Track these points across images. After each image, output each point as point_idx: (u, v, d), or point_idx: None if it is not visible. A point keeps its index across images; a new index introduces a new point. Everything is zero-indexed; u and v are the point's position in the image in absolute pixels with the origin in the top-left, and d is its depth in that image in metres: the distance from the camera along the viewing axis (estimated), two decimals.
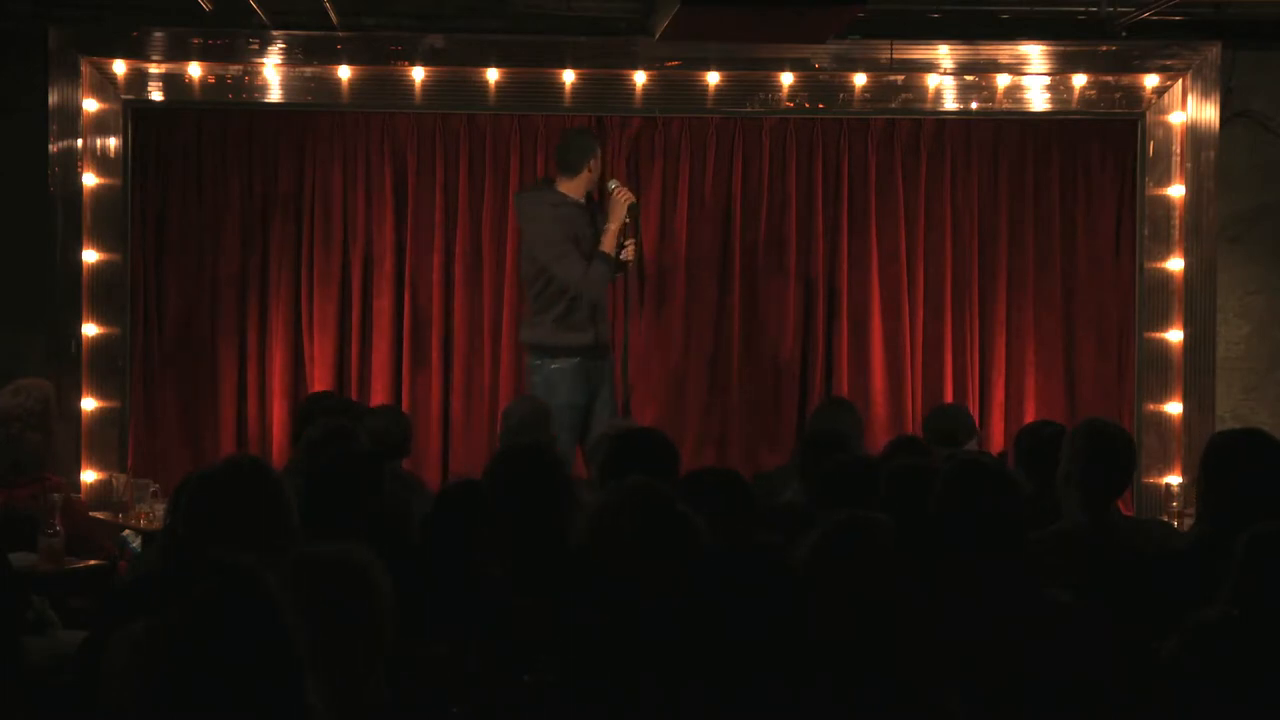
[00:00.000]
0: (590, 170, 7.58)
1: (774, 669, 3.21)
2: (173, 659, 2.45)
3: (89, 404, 7.82)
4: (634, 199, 7.52)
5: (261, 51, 7.81)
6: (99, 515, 6.91)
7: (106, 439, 7.85)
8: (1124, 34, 7.98)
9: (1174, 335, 8.10)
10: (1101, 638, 3.69)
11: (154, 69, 7.85)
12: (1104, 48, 8.00)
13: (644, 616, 3.51)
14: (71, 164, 7.78)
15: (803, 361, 8.27)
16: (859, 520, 3.48)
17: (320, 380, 8.03)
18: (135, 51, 7.78)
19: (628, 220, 7.51)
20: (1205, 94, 8.02)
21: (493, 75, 7.93)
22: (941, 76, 8.04)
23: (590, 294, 7.54)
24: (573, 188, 7.57)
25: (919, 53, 7.98)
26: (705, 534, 3.71)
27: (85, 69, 7.76)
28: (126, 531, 6.85)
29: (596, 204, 7.74)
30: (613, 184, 7.61)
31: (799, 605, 3.30)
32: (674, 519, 3.69)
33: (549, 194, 7.56)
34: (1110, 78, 8.09)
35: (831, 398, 7.77)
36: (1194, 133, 8.03)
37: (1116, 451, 4.74)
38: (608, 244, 7.54)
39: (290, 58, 7.83)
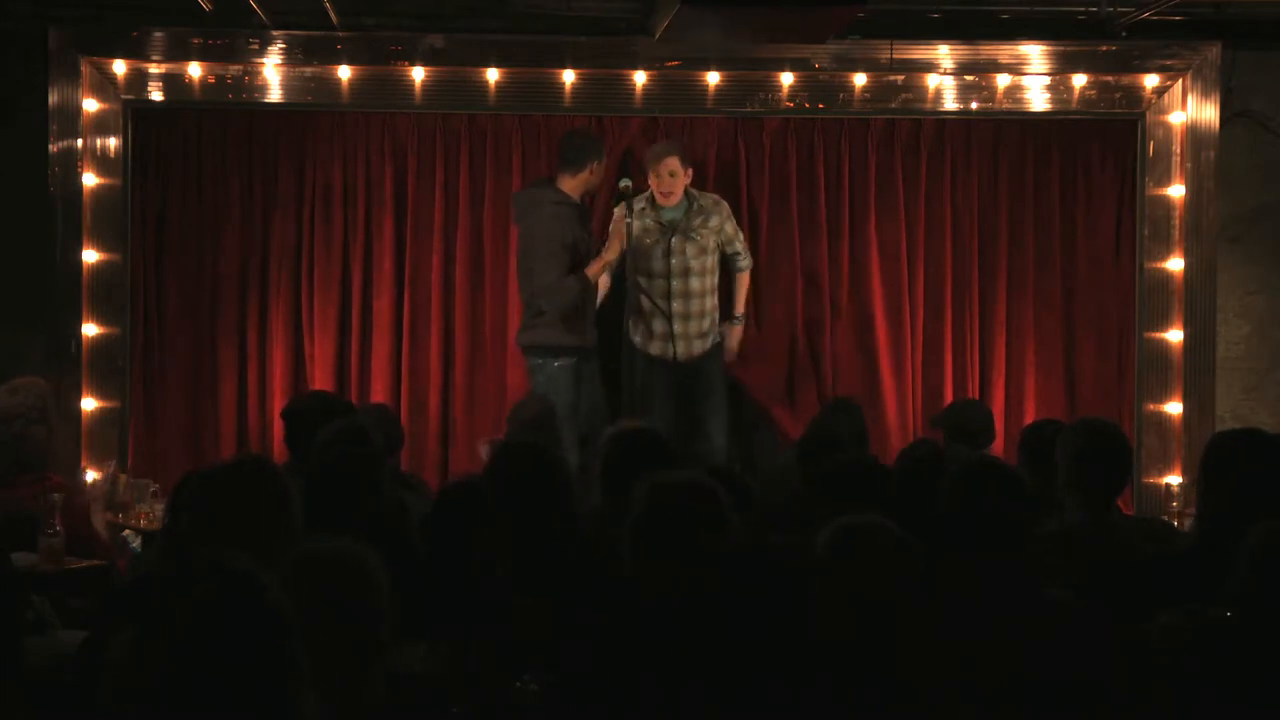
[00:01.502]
0: (591, 173, 7.59)
1: (774, 669, 3.21)
2: (172, 659, 2.45)
3: (89, 404, 7.83)
4: (629, 220, 7.42)
5: (261, 51, 7.82)
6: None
7: (106, 439, 7.85)
8: (1124, 34, 7.98)
9: (1174, 335, 8.10)
10: (1101, 638, 3.69)
11: (154, 69, 7.85)
12: (1104, 48, 8.00)
13: (644, 616, 3.51)
14: (71, 164, 7.78)
15: (804, 360, 8.26)
16: (861, 523, 3.48)
17: (320, 380, 8.03)
18: (135, 51, 7.79)
19: (625, 248, 7.43)
20: (1205, 94, 8.02)
21: (493, 75, 7.93)
22: (941, 76, 8.04)
23: (550, 304, 7.44)
24: (572, 187, 7.57)
25: (919, 53, 7.99)
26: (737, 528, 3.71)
27: (85, 69, 7.76)
28: (126, 531, 6.85)
29: (589, 209, 7.78)
30: (625, 182, 7.58)
31: (799, 605, 3.30)
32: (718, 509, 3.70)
33: (549, 191, 7.56)
34: (1110, 78, 8.09)
35: (840, 398, 7.76)
36: (1194, 133, 8.03)
37: (1115, 451, 4.74)
38: (594, 269, 7.50)
39: (290, 58, 7.84)
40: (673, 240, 7.65)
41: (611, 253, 7.47)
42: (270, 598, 2.55)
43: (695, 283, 7.71)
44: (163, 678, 2.44)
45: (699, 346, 7.76)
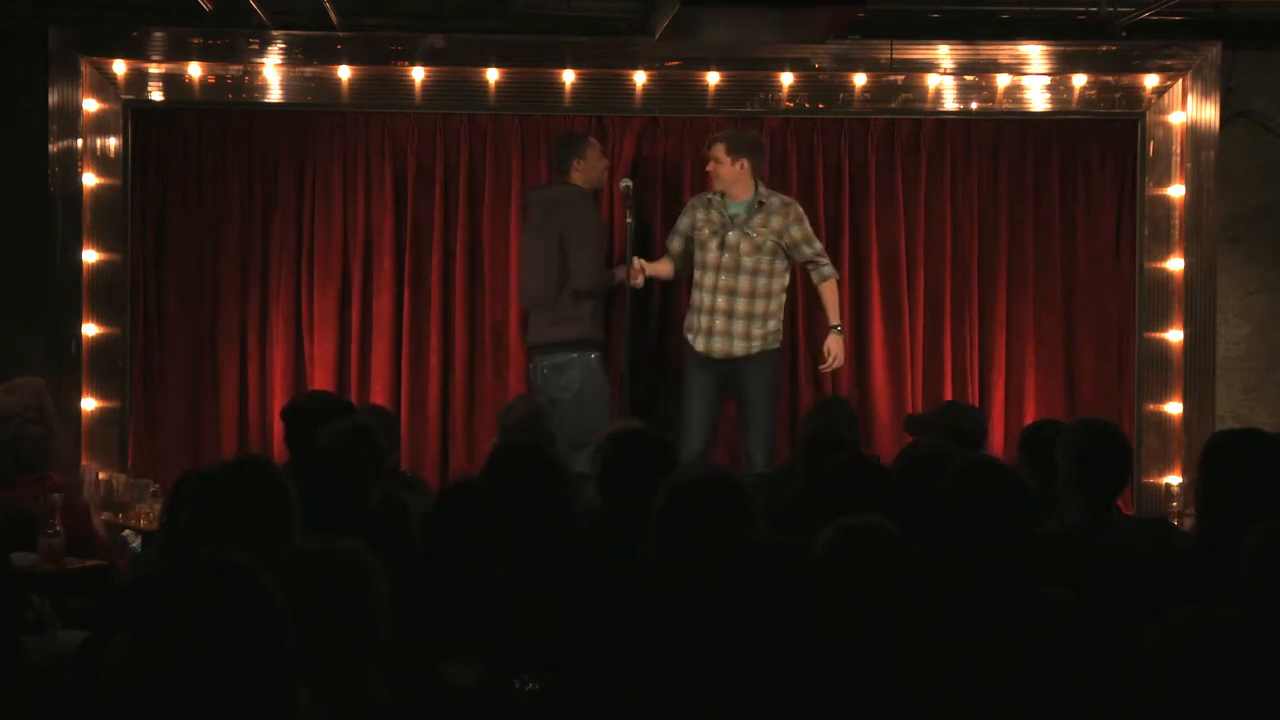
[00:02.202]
0: (577, 170, 7.62)
1: (774, 669, 3.20)
2: (172, 659, 2.45)
3: (89, 404, 7.82)
4: (630, 221, 7.55)
5: (261, 51, 7.82)
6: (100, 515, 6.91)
7: (106, 439, 7.85)
8: (1124, 34, 7.98)
9: (1174, 335, 8.10)
10: (1101, 638, 3.68)
11: (154, 69, 7.85)
12: (1104, 48, 8.00)
13: (644, 616, 3.51)
14: (71, 164, 7.78)
15: (803, 359, 8.26)
16: (860, 523, 3.48)
17: (320, 380, 8.03)
18: (135, 51, 7.79)
19: (629, 249, 7.54)
20: (1205, 94, 8.02)
21: (493, 75, 7.93)
22: (941, 76, 8.04)
23: (599, 287, 7.60)
24: (579, 184, 7.63)
25: (919, 53, 7.98)
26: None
27: (85, 69, 7.76)
28: (126, 532, 6.85)
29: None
30: (625, 183, 7.60)
31: (799, 605, 3.29)
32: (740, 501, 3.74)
33: (571, 189, 7.60)
34: (1110, 78, 8.09)
35: (826, 396, 7.77)
36: (1194, 133, 8.03)
37: (1115, 450, 4.73)
38: (628, 277, 7.56)
39: (290, 58, 7.84)
40: (729, 235, 7.58)
41: (659, 267, 7.72)
42: (269, 597, 2.55)
43: (744, 281, 7.57)
44: (163, 678, 2.44)
45: (740, 347, 7.58)
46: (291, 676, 2.53)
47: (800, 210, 7.74)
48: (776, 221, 7.63)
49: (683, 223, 7.76)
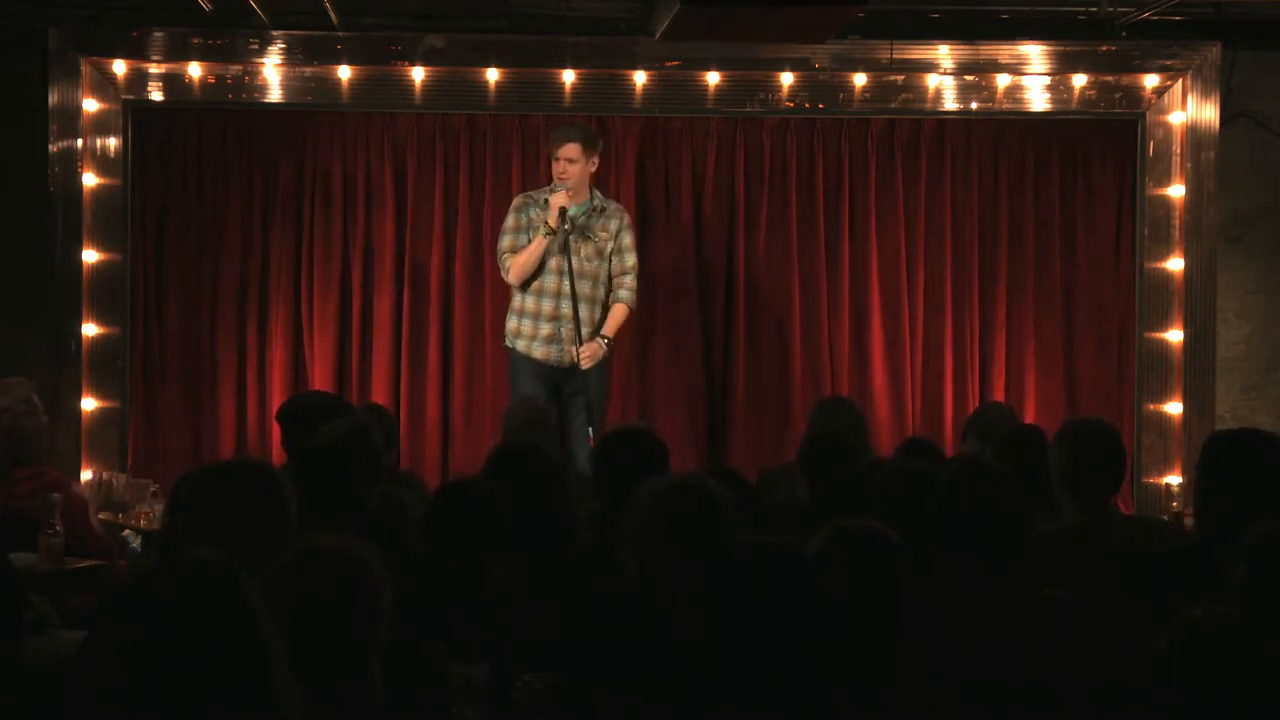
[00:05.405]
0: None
1: (775, 669, 3.20)
2: (154, 657, 2.46)
3: (89, 404, 7.82)
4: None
5: (261, 51, 7.82)
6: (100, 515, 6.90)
7: (106, 439, 7.85)
8: (1124, 34, 7.99)
9: (1174, 335, 8.11)
10: (1101, 638, 3.68)
11: (154, 69, 7.86)
12: (1104, 48, 8.01)
13: (644, 617, 3.51)
14: (71, 164, 7.78)
15: (802, 359, 8.26)
16: (861, 525, 3.48)
17: (320, 380, 8.03)
18: (135, 51, 7.79)
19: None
20: (1205, 94, 8.02)
21: (493, 75, 7.93)
22: (941, 76, 8.05)
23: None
24: None
25: (919, 53, 7.99)
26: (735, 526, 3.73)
27: (85, 69, 7.76)
28: (126, 531, 6.85)
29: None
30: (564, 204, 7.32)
31: (802, 604, 3.30)
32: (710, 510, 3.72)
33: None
34: (1110, 78, 8.10)
35: (831, 396, 7.76)
36: (1194, 133, 8.03)
37: (1107, 450, 4.73)
38: None
39: (290, 58, 7.84)
40: (569, 238, 7.23)
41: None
42: (247, 595, 2.56)
43: (586, 287, 7.27)
44: (142, 675, 2.45)
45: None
46: (272, 674, 2.54)
47: (629, 215, 7.50)
48: (614, 224, 7.37)
49: (520, 221, 7.34)
